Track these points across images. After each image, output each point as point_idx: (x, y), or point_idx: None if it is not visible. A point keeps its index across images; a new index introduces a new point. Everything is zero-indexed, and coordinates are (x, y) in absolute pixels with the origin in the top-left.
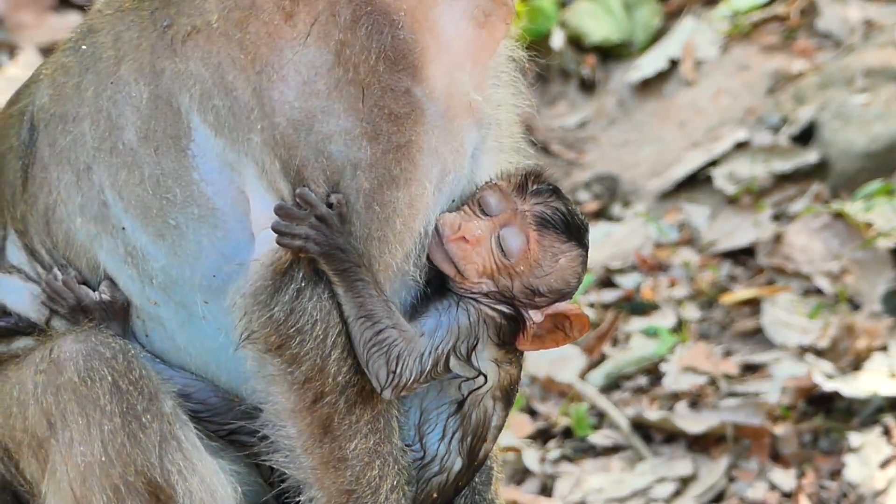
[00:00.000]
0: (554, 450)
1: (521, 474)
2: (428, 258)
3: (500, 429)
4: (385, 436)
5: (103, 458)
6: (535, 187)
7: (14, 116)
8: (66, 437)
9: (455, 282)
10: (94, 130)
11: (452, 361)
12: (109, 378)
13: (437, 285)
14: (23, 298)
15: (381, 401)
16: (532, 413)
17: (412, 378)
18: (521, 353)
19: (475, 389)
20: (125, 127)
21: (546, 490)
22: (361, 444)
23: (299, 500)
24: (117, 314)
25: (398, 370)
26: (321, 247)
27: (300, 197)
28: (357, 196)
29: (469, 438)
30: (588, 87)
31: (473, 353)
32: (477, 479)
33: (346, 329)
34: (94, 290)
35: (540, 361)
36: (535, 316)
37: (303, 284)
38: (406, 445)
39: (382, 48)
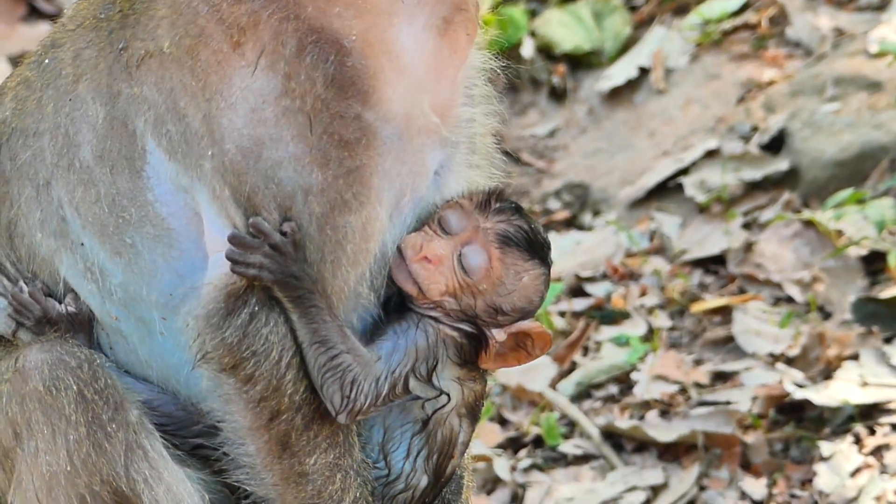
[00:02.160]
0: (525, 459)
1: (491, 483)
2: (390, 278)
3: (466, 444)
4: (345, 449)
5: (69, 468)
6: (497, 205)
7: None
8: (31, 447)
9: (416, 301)
10: (52, 146)
11: (412, 383)
12: (75, 387)
13: (396, 306)
14: None
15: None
16: (503, 422)
17: (367, 402)
18: (485, 370)
19: (439, 409)
20: (82, 145)
21: (517, 499)
22: (321, 459)
23: None
24: (83, 326)
25: (352, 395)
26: (275, 275)
27: (253, 226)
28: (309, 220)
29: (435, 456)
30: (558, 95)
31: (434, 373)
32: (446, 489)
33: (299, 353)
34: (59, 303)
35: (511, 370)
36: (497, 335)
37: (256, 309)
38: (369, 463)
39: (329, 76)
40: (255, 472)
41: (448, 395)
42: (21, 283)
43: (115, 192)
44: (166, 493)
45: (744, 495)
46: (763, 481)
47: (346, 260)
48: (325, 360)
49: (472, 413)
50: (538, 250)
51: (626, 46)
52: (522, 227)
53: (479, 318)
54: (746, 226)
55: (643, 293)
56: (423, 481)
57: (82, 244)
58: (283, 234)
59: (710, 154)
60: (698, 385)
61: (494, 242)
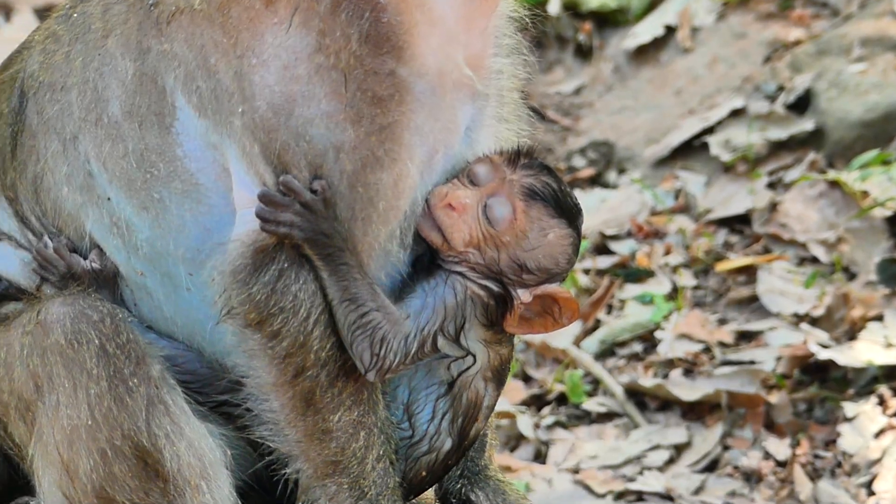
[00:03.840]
0: (548, 416)
1: (515, 440)
2: (416, 232)
3: (491, 408)
4: (369, 407)
5: (90, 422)
6: (526, 161)
7: (5, 82)
8: (52, 401)
9: (442, 253)
10: (80, 101)
11: (440, 341)
12: (96, 341)
13: (425, 265)
14: (13, 265)
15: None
16: (527, 379)
17: (397, 360)
18: (512, 335)
19: (465, 371)
20: (110, 100)
21: (540, 456)
22: (345, 416)
23: (285, 472)
24: (107, 282)
25: (382, 353)
26: (305, 233)
27: (283, 184)
28: (340, 178)
29: (460, 419)
30: (584, 53)
31: (462, 333)
32: (489, 457)
33: (328, 310)
34: (84, 258)
35: None
36: (523, 295)
37: (285, 266)
38: (394, 423)
39: (364, 32)
40: (279, 428)
41: (474, 356)
42: (46, 238)
43: (144, 148)
44: (188, 449)
45: (767, 455)
46: (786, 441)
47: (377, 217)
48: (355, 317)
49: (498, 378)
50: (566, 210)
51: (652, 4)
52: (550, 184)
53: (505, 274)
54: (771, 185)
55: (668, 252)
56: (447, 444)
57: (109, 199)
58: (314, 191)
59: (736, 113)
60: (722, 344)
61: (520, 195)
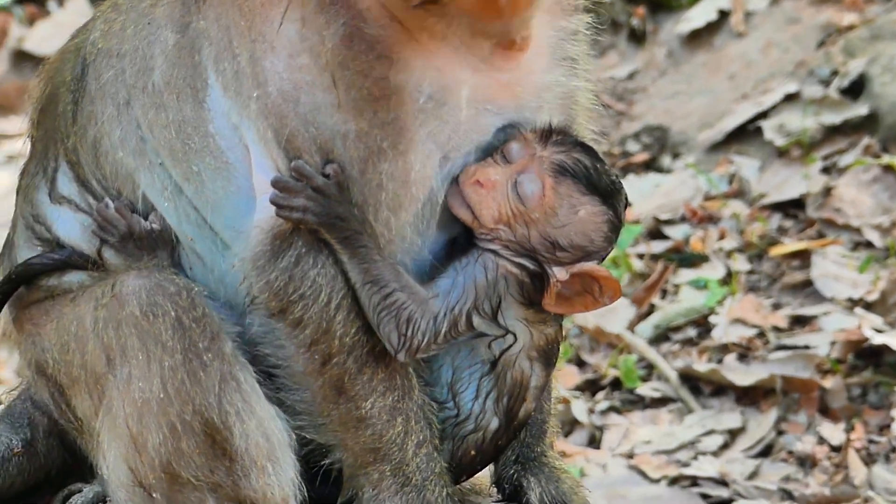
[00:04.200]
0: (602, 401)
1: (569, 425)
2: (451, 214)
3: (541, 389)
4: (405, 392)
5: (161, 395)
6: (558, 137)
7: (70, 52)
8: (124, 374)
9: (475, 231)
10: (131, 67)
11: (476, 320)
12: (172, 313)
13: (460, 247)
14: (74, 229)
15: (395, 358)
16: (581, 364)
17: (425, 340)
18: (559, 315)
19: (506, 349)
20: (154, 69)
21: (594, 441)
22: (379, 402)
23: (326, 462)
24: (165, 244)
25: (409, 333)
26: (319, 217)
27: (295, 170)
28: (351, 164)
29: (505, 399)
30: (638, 38)
31: (499, 311)
32: (526, 432)
33: (352, 294)
34: (144, 220)
35: (590, 313)
36: (558, 273)
37: (303, 251)
38: (439, 403)
39: (342, 36)
40: (313, 418)
41: (514, 334)
42: (107, 199)
43: (181, 119)
44: (257, 428)
45: (821, 440)
46: (841, 426)
47: (386, 204)
48: (379, 299)
49: (546, 357)
50: (600, 188)
51: None
52: (582, 160)
53: (538, 252)
54: (825, 170)
55: (722, 236)
56: (494, 423)
57: (160, 164)
58: (326, 176)
59: (790, 98)
60: (777, 329)
61: (549, 171)
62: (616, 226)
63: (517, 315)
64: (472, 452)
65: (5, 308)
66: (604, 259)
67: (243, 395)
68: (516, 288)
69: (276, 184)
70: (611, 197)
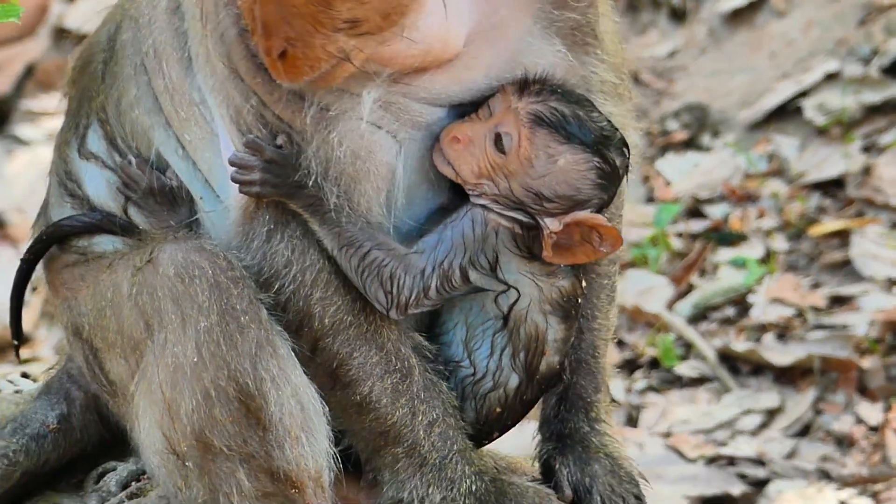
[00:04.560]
0: (640, 380)
1: (613, 404)
2: (442, 175)
3: (565, 341)
4: (404, 374)
5: (196, 359)
6: (537, 86)
7: (109, 15)
8: (160, 339)
9: (463, 187)
10: (141, 31)
11: (473, 275)
12: (210, 272)
13: (449, 202)
14: (101, 186)
15: (389, 339)
16: (619, 343)
17: (414, 295)
18: (578, 267)
19: (513, 304)
20: (153, 33)
21: (632, 420)
22: (377, 386)
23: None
24: (185, 201)
25: (395, 290)
26: (279, 188)
27: (246, 145)
28: (300, 135)
29: (522, 354)
30: (679, 16)
31: (497, 266)
32: (561, 406)
33: (330, 267)
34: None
35: (627, 291)
36: (551, 224)
37: (272, 227)
38: (455, 362)
39: (235, 34)
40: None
41: (517, 289)
42: (130, 156)
43: (172, 87)
44: (292, 396)
45: (859, 420)
46: (879, 406)
47: (343, 177)
48: (357, 260)
49: (563, 310)
50: (581, 136)
51: None
52: (559, 109)
53: (526, 204)
54: (866, 149)
55: (761, 215)
56: (514, 379)
57: (168, 124)
58: (279, 147)
59: (830, 77)
60: (815, 308)
61: (524, 122)
62: (607, 173)
63: (520, 269)
64: (498, 409)
65: (42, 273)
66: (605, 206)
67: (279, 362)
68: (510, 241)
69: (231, 161)
70: (598, 144)
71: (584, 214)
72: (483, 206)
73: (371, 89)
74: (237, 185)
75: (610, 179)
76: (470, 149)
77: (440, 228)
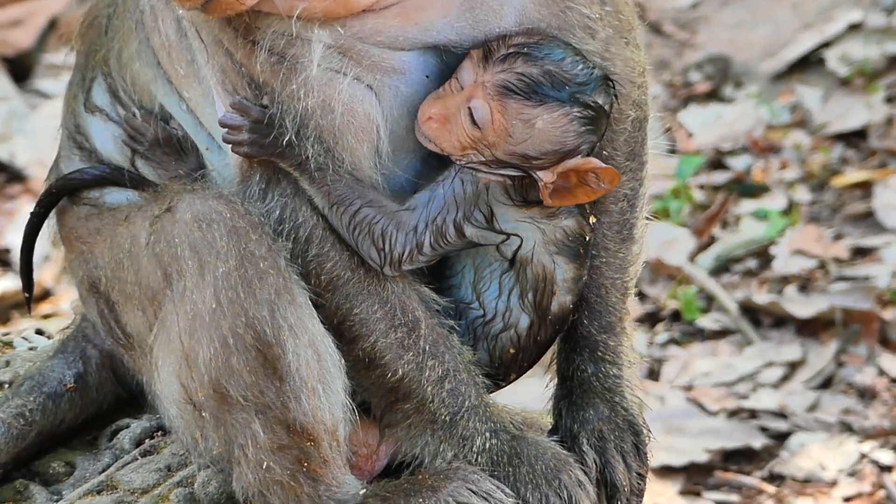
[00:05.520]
0: (662, 333)
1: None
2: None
3: (576, 281)
4: (411, 328)
5: (214, 306)
6: (501, 53)
7: None
8: (179, 287)
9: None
10: None
11: (469, 230)
12: (228, 214)
13: (442, 159)
14: (106, 140)
15: (393, 293)
16: (640, 296)
17: (407, 251)
18: (582, 205)
19: (517, 249)
20: None
21: (653, 374)
22: (381, 341)
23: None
24: (194, 149)
25: (387, 246)
26: (267, 148)
27: (233, 106)
28: (281, 96)
29: (530, 294)
30: None
31: (493, 219)
32: (588, 321)
33: (323, 224)
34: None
35: (650, 244)
36: (545, 176)
37: (263, 186)
38: (466, 304)
39: None
40: None
41: (519, 236)
42: (134, 108)
43: (169, 45)
44: (309, 345)
45: (882, 372)
46: None
47: (322, 132)
48: (348, 218)
49: (570, 250)
50: (554, 93)
51: None
52: (526, 73)
53: (515, 164)
54: (889, 99)
55: (783, 167)
56: (524, 320)
57: (168, 80)
58: (266, 107)
59: (853, 27)
60: (837, 260)
61: (493, 95)
62: (591, 117)
63: (517, 217)
64: (512, 350)
65: (54, 227)
66: (595, 145)
67: (297, 310)
68: (503, 193)
69: (221, 122)
70: (575, 94)
71: (575, 162)
72: (473, 169)
73: (319, 31)
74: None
75: (595, 121)
76: (447, 126)
77: (432, 186)
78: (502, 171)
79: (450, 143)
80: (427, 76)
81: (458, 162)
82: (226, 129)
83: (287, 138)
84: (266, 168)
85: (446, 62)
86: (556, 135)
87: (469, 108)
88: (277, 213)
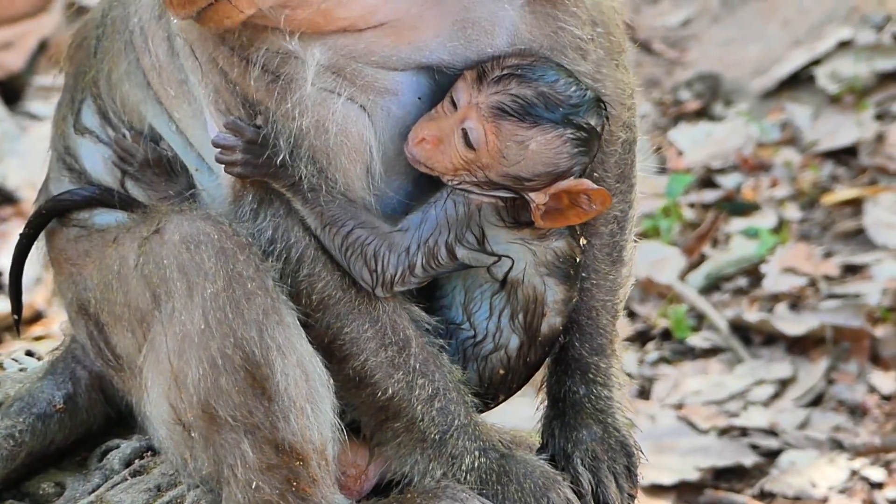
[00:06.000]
0: (652, 352)
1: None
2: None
3: (566, 302)
4: (401, 346)
5: (203, 327)
6: (495, 74)
7: None
8: (168, 309)
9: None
10: (129, 10)
11: (461, 252)
12: (215, 236)
13: (434, 180)
14: (96, 162)
15: (384, 312)
16: (631, 315)
17: (399, 272)
18: (573, 227)
19: (508, 271)
20: (140, 12)
21: (644, 392)
22: (372, 360)
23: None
24: (184, 170)
25: (379, 268)
26: (260, 168)
27: (227, 126)
28: (276, 117)
29: (521, 315)
30: None
31: (485, 240)
32: (579, 343)
33: (315, 244)
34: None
35: (640, 263)
36: (537, 198)
37: (255, 206)
38: (456, 325)
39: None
40: None
41: (510, 258)
42: (123, 129)
43: (160, 66)
44: (297, 365)
45: (872, 389)
46: (892, 375)
47: (315, 153)
48: (341, 239)
49: (560, 271)
50: (548, 114)
51: None
52: (521, 95)
53: (507, 186)
54: (879, 117)
55: (773, 184)
56: (514, 341)
57: (158, 100)
58: (259, 127)
59: (843, 44)
60: (828, 278)
61: (487, 117)
62: (583, 139)
63: (509, 238)
64: (501, 371)
65: (43, 249)
66: (587, 166)
67: (285, 330)
68: (495, 215)
69: (214, 143)
70: (568, 115)
71: (568, 183)
72: (465, 191)
73: (313, 49)
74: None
75: (587, 143)
76: (440, 147)
77: (424, 207)
78: (494, 193)
79: (442, 164)
80: (419, 98)
81: (449, 183)
82: (219, 150)
83: (281, 158)
84: (258, 188)
85: (438, 83)
86: (549, 156)
87: (463, 130)
88: (269, 232)
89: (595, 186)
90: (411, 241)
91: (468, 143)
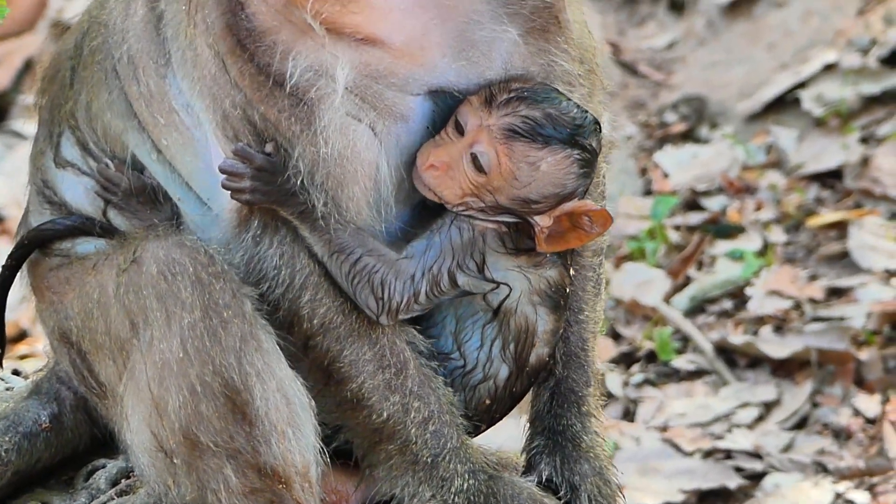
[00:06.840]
0: (637, 374)
1: (603, 399)
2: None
3: (554, 333)
4: (398, 369)
5: (181, 355)
6: (503, 97)
7: (77, 24)
8: (146, 337)
9: (446, 206)
10: (112, 38)
11: (461, 279)
12: (191, 269)
13: (433, 206)
14: (78, 193)
15: (383, 334)
16: (616, 336)
17: (405, 300)
18: (564, 254)
19: (504, 299)
20: (127, 41)
21: (628, 414)
22: (369, 382)
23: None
24: (167, 199)
25: (386, 296)
26: (269, 196)
27: (235, 153)
28: (286, 142)
29: (512, 345)
30: (677, 7)
31: (485, 267)
32: (555, 401)
33: (319, 270)
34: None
35: (625, 285)
36: (541, 221)
37: (258, 233)
38: (445, 354)
39: (225, 25)
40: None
41: (507, 285)
42: (106, 159)
43: (149, 94)
44: (277, 390)
45: (857, 412)
46: (877, 398)
47: (330, 180)
48: (348, 267)
49: (551, 300)
50: (557, 135)
51: None
52: (530, 116)
53: (513, 210)
54: (864, 140)
55: (759, 207)
56: (503, 371)
57: (143, 129)
58: (269, 154)
59: (829, 67)
60: (812, 301)
61: (499, 139)
62: (587, 160)
63: (507, 265)
64: (487, 401)
65: (25, 277)
66: (588, 188)
67: (264, 356)
68: (497, 241)
69: (221, 169)
70: (573, 136)
71: (572, 205)
72: (469, 216)
73: (343, 60)
74: (228, 192)
75: (590, 164)
76: (449, 173)
77: (428, 234)
78: (499, 218)
79: (451, 190)
80: (428, 127)
81: (454, 210)
82: (225, 176)
83: (292, 185)
84: (264, 214)
85: (441, 109)
86: (558, 177)
87: (472, 154)
88: (274, 259)
89: (598, 207)
90: (416, 268)
91: (478, 168)
